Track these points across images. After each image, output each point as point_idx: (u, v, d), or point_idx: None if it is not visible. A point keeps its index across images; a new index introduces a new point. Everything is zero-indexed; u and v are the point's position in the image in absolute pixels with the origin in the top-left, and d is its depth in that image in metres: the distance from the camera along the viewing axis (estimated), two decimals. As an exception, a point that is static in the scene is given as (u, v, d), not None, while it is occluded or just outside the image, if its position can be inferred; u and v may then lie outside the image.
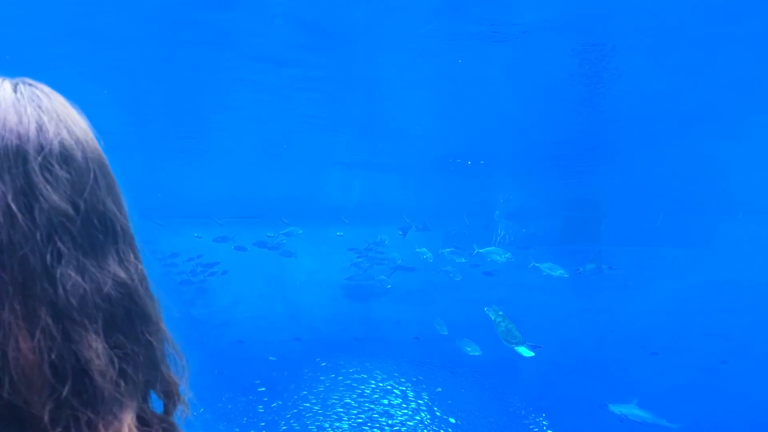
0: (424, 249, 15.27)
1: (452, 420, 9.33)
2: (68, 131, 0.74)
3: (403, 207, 21.40)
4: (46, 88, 0.78)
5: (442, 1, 8.30)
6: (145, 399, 0.76)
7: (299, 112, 13.91)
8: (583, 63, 10.55)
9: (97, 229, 0.73)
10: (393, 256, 18.02)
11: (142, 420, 0.76)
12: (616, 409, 9.49)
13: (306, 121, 14.69)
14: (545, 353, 12.39)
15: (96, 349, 0.68)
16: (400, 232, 17.39)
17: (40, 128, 0.71)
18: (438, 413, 9.61)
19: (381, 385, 10.84)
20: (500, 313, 7.95)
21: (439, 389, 10.50)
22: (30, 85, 0.76)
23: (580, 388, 9.03)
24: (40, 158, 0.69)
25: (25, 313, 0.64)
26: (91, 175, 0.75)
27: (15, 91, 0.74)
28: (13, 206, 0.66)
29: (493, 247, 13.12)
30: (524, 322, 15.12)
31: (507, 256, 12.54)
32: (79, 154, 0.74)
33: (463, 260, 15.18)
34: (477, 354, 10.16)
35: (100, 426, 0.67)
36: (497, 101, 12.88)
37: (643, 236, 26.23)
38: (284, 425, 9.04)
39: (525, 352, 7.56)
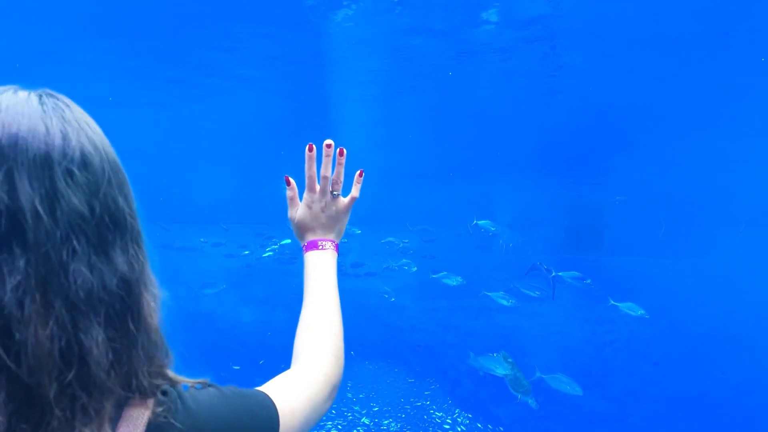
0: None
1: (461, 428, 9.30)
2: (87, 139, 0.82)
3: (408, 214, 21.43)
4: (67, 99, 0.85)
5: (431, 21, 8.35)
6: (128, 387, 0.83)
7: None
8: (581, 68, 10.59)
9: (107, 228, 0.82)
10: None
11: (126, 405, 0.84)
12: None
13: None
14: (545, 365, 12.37)
15: (96, 339, 0.76)
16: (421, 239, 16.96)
17: (64, 138, 0.79)
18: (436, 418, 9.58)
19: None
20: (509, 360, 7.91)
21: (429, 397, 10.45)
22: (52, 96, 0.84)
23: (580, 398, 8.98)
24: (63, 165, 0.77)
25: (43, 304, 0.73)
26: (106, 176, 0.83)
27: (41, 102, 0.81)
28: (40, 208, 0.74)
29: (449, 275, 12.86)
30: (523, 332, 15.19)
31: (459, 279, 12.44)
32: (96, 160, 0.82)
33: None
34: (577, 393, 8.38)
35: (91, 409, 0.76)
36: (495, 109, 12.92)
37: (646, 246, 26.19)
38: None
39: (532, 402, 7.49)
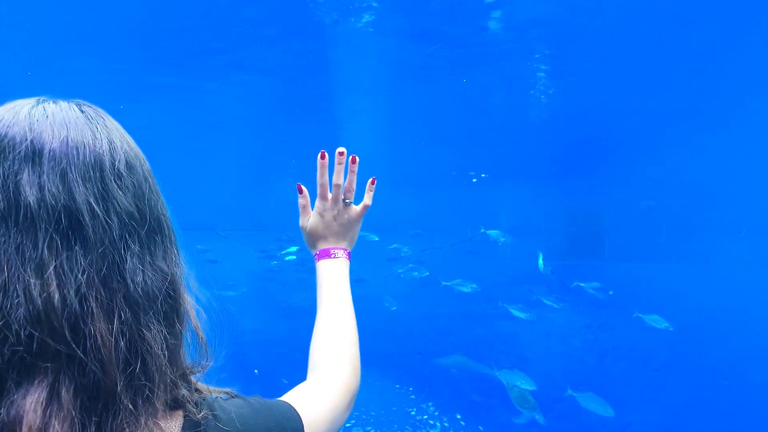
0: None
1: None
2: (129, 146, 0.88)
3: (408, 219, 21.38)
4: (101, 109, 0.91)
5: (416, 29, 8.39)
6: (176, 386, 0.88)
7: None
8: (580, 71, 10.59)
9: (154, 230, 0.86)
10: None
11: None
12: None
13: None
14: (546, 372, 12.31)
15: (155, 335, 0.81)
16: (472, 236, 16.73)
17: (110, 143, 0.83)
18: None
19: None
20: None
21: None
22: (89, 106, 0.89)
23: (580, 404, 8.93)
24: (112, 169, 0.82)
25: (107, 300, 0.76)
26: (147, 182, 0.88)
27: (82, 111, 0.86)
28: (96, 207, 0.78)
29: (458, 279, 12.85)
30: (524, 339, 15.11)
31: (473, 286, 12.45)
32: (138, 165, 0.87)
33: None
34: (531, 389, 8.37)
35: (155, 402, 0.80)
36: (494, 115, 12.93)
37: (647, 252, 26.11)
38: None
39: (539, 418, 7.45)
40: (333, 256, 1.59)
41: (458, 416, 9.79)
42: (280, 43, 9.09)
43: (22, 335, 0.71)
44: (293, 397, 1.13)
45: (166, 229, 0.90)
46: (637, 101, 11.97)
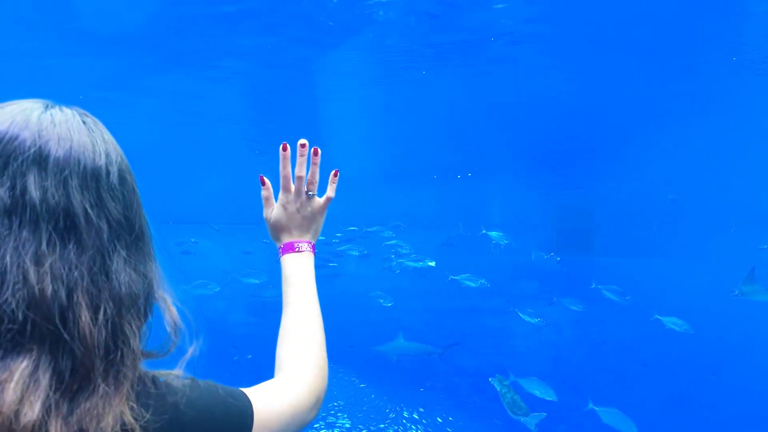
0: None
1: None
2: (121, 159, 0.96)
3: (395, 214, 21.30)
4: (99, 121, 0.99)
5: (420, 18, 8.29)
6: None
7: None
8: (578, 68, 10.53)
9: (138, 237, 0.95)
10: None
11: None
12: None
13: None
14: (535, 367, 12.31)
15: (134, 330, 0.90)
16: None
17: (107, 156, 0.92)
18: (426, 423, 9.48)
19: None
20: (506, 383, 7.88)
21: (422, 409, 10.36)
22: (87, 116, 0.97)
23: (571, 397, 8.92)
24: (107, 180, 0.91)
25: (92, 296, 0.85)
26: (135, 194, 0.98)
27: (83, 122, 0.94)
28: (91, 214, 0.87)
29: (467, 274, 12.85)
30: (513, 333, 15.13)
31: (481, 281, 12.45)
32: (128, 177, 0.97)
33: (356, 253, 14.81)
34: (551, 399, 8.53)
35: (126, 386, 0.87)
36: (483, 109, 12.87)
37: (636, 247, 26.25)
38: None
39: (530, 423, 7.42)
40: (297, 249, 1.60)
41: (450, 418, 9.76)
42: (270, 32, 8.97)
43: (19, 316, 0.78)
44: (252, 389, 1.16)
45: (146, 236, 0.99)
46: (631, 93, 11.90)
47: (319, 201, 1.64)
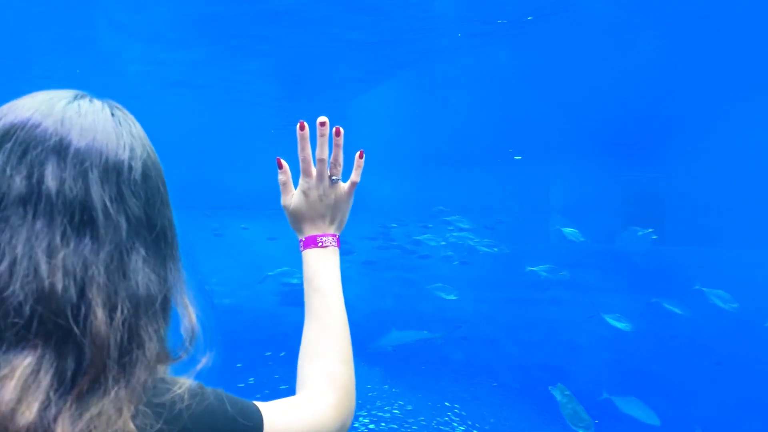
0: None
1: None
2: (148, 155, 0.95)
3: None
4: (131, 115, 0.97)
5: None
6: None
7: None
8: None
9: (159, 238, 0.93)
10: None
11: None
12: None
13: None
14: (593, 361, 11.58)
15: (150, 333, 0.86)
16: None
17: (131, 151, 0.91)
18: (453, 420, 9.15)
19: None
20: (566, 393, 7.15)
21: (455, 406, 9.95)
22: (119, 110, 0.96)
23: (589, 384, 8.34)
24: (129, 176, 0.89)
25: (107, 294, 0.82)
26: (160, 192, 0.95)
27: (112, 114, 0.93)
28: (110, 208, 0.85)
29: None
30: (570, 326, 14.29)
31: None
32: (153, 174, 0.94)
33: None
34: (653, 423, 7.75)
35: (138, 390, 0.83)
36: (543, 86, 12.12)
37: (710, 235, 24.56)
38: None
39: None
40: (321, 244, 1.45)
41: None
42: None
43: (26, 310, 0.76)
44: (270, 405, 1.08)
45: (170, 238, 0.96)
46: (708, 71, 10.90)
47: (344, 186, 1.48)
